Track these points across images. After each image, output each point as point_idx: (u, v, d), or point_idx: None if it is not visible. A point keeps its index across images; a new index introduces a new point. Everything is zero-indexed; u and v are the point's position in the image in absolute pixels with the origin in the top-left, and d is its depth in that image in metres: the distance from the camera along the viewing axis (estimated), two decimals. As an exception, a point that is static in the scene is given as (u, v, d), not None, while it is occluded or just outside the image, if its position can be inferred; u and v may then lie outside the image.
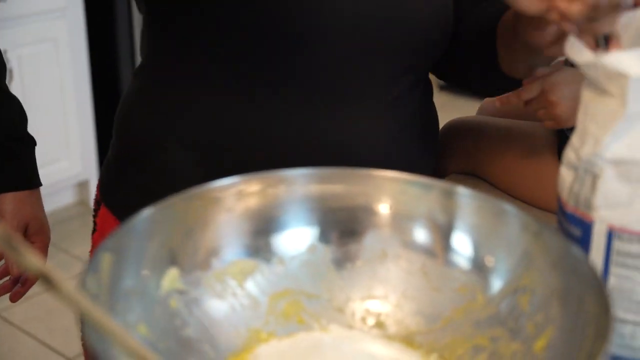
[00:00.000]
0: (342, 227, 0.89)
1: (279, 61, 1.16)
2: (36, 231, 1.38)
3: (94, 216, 1.32)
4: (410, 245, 0.88)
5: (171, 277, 0.81)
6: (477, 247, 0.85)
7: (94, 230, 1.36)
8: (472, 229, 0.85)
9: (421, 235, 0.88)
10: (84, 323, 0.64)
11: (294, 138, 1.20)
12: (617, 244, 0.80)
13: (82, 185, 3.57)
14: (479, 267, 0.85)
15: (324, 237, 0.89)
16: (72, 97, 3.52)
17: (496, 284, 0.83)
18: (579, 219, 0.82)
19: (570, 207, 0.83)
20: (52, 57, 3.50)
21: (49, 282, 0.62)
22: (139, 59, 2.96)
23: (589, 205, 0.80)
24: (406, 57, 1.22)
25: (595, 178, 0.79)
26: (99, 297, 0.70)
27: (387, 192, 0.88)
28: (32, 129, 3.16)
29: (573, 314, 0.74)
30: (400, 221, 0.88)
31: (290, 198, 0.88)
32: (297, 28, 1.12)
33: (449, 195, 0.86)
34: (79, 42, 3.68)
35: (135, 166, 1.24)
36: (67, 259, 3.12)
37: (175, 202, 0.82)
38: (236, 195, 0.86)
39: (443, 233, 0.87)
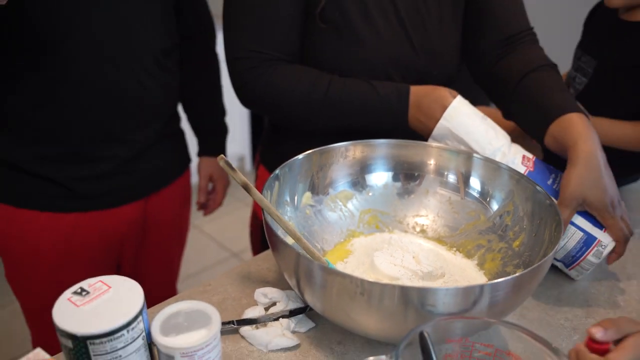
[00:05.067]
0: (405, 173, 0.88)
1: None
2: (219, 177, 1.35)
3: (256, 171, 1.24)
4: (444, 186, 0.87)
5: (307, 197, 0.85)
6: (484, 188, 0.84)
7: (256, 178, 1.27)
8: (480, 177, 0.84)
9: (451, 180, 0.87)
10: (265, 214, 0.69)
11: None
12: None
13: (241, 159, 3.56)
14: (483, 199, 0.84)
15: (394, 179, 0.89)
16: (236, 106, 3.41)
17: (492, 209, 0.83)
18: None
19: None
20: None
21: (247, 188, 0.69)
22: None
23: None
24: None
25: None
26: (271, 204, 0.72)
27: (433, 155, 0.87)
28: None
29: (537, 227, 0.74)
30: (439, 172, 0.87)
31: (376, 155, 0.87)
32: None
33: (469, 158, 0.84)
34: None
35: (281, 142, 1.13)
36: (230, 199, 3.14)
37: (314, 153, 0.83)
38: (347, 152, 0.86)
39: (463, 179, 0.86)
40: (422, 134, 0.90)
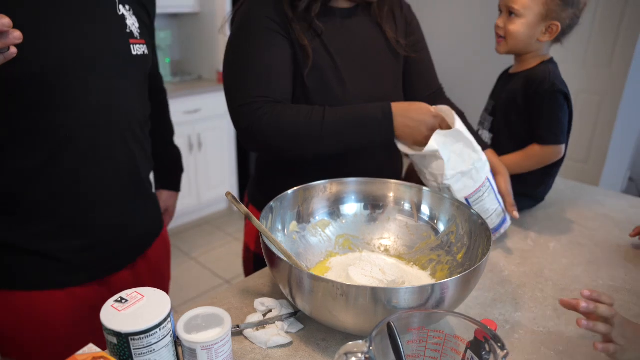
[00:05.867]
0: (372, 204, 0.93)
1: None
2: (169, 211, 1.29)
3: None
4: (401, 213, 0.92)
5: (293, 225, 0.88)
6: (432, 213, 0.90)
7: (246, 217, 1.30)
8: (429, 205, 0.90)
9: (406, 208, 0.92)
10: (262, 237, 0.73)
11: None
12: (470, 200, 0.91)
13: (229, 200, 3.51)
14: (432, 222, 0.89)
15: (363, 208, 0.93)
16: (225, 156, 3.37)
17: (440, 230, 0.88)
18: None
19: None
20: (223, 133, 3.29)
21: (249, 217, 0.73)
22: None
23: (452, 197, 0.90)
24: None
25: (448, 187, 0.90)
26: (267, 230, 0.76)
27: (392, 189, 0.92)
28: (206, 170, 3.24)
29: (474, 242, 0.80)
30: (398, 202, 0.92)
31: (349, 190, 0.92)
32: None
33: (419, 191, 0.90)
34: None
35: (267, 184, 1.15)
36: (221, 234, 3.11)
37: (300, 189, 0.88)
38: (325, 188, 0.91)
39: (416, 207, 0.91)
40: (408, 138, 0.92)
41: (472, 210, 0.81)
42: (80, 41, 0.80)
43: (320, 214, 0.91)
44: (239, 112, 0.94)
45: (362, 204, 0.93)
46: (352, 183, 0.92)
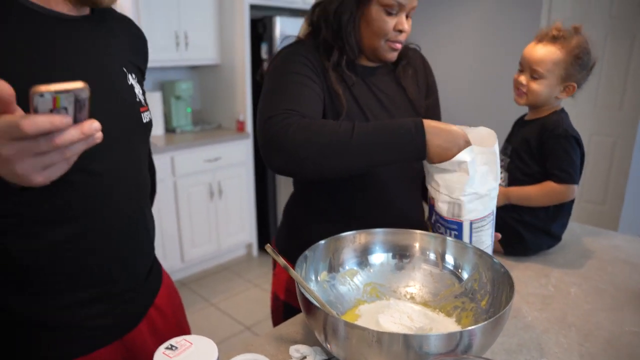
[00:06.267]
0: (398, 254, 0.96)
1: None
2: None
3: (275, 260, 1.16)
4: (426, 262, 0.95)
5: (324, 275, 0.92)
6: (456, 262, 0.92)
7: (275, 267, 1.29)
8: (453, 254, 0.92)
9: (431, 257, 0.94)
10: (298, 286, 0.77)
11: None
12: (474, 226, 0.92)
13: (249, 246, 3.58)
14: (456, 271, 0.92)
15: (390, 257, 0.96)
16: (245, 203, 3.47)
17: (463, 277, 0.91)
18: (455, 221, 0.93)
19: (449, 217, 0.93)
20: (242, 180, 3.42)
21: (287, 269, 0.78)
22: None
23: (459, 215, 0.92)
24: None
25: (460, 205, 0.90)
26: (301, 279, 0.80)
27: (418, 239, 0.95)
28: (226, 217, 3.30)
29: (497, 289, 0.83)
30: (423, 251, 0.95)
31: (376, 240, 0.96)
32: None
33: (444, 241, 0.93)
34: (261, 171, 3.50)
35: (295, 235, 1.20)
36: (241, 281, 3.14)
37: (331, 239, 0.92)
38: (354, 239, 0.95)
39: (440, 256, 0.94)
40: (436, 158, 0.88)
41: (495, 259, 0.85)
42: (103, 119, 0.76)
43: (350, 263, 0.95)
44: (267, 123, 0.93)
45: (390, 254, 0.97)
46: (379, 234, 0.96)
